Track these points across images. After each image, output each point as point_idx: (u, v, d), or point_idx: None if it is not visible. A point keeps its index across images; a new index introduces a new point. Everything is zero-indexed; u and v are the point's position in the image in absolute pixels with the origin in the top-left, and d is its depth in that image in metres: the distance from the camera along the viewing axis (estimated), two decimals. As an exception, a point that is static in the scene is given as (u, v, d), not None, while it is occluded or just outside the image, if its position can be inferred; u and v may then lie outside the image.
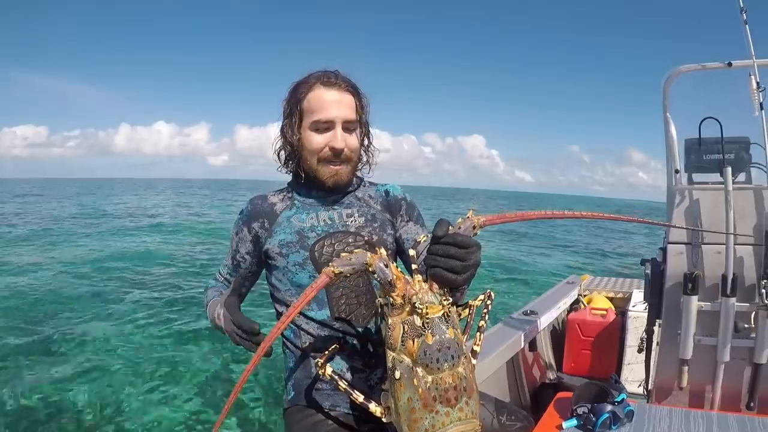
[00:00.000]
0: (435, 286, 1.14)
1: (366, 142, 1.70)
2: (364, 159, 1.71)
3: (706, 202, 2.40)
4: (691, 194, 2.42)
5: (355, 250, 1.14)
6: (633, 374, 3.39)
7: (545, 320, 3.47)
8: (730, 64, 2.37)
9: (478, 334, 1.30)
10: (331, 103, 1.54)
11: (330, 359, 1.33)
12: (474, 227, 1.13)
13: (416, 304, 1.11)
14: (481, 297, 1.32)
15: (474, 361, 1.22)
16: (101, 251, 14.43)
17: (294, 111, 1.59)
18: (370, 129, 1.71)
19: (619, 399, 1.75)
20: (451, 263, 1.10)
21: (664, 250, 2.49)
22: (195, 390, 5.44)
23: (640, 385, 3.12)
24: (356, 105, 1.60)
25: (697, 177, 2.49)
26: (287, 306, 1.58)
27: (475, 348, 1.28)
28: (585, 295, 4.31)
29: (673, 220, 2.44)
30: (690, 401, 2.49)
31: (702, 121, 2.39)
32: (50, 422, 4.59)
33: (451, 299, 1.15)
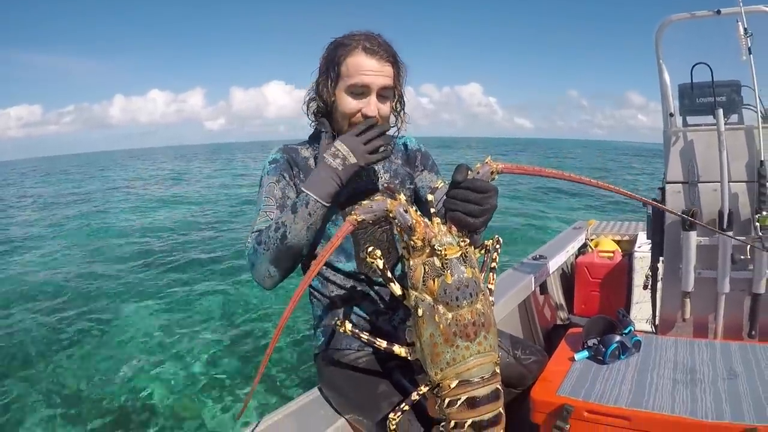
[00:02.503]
0: (453, 228, 1.22)
1: (398, 107, 1.71)
2: (394, 122, 1.71)
3: (699, 143, 2.49)
4: (685, 136, 2.52)
5: (376, 198, 1.21)
6: (641, 312, 3.48)
7: (554, 264, 3.58)
8: (719, 12, 2.44)
9: (491, 274, 1.39)
10: (370, 71, 1.54)
11: (347, 319, 1.45)
12: (492, 172, 1.19)
13: (435, 246, 1.19)
14: (490, 242, 1.41)
15: (491, 299, 1.31)
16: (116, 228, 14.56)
17: (331, 70, 1.59)
18: (404, 96, 1.72)
19: (626, 331, 1.89)
20: (469, 207, 1.18)
21: (662, 189, 2.60)
22: (229, 350, 5.64)
23: (647, 322, 3.25)
24: (394, 75, 1.60)
25: (691, 120, 2.57)
26: None
27: (490, 287, 1.35)
28: (592, 239, 4.41)
29: (670, 162, 2.53)
30: (694, 332, 2.60)
31: (693, 66, 2.48)
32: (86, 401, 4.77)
33: (468, 240, 1.23)
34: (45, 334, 6.35)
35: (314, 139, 1.73)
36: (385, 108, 1.60)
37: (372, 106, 1.55)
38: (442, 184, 1.57)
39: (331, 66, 1.59)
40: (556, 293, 3.92)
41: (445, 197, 1.23)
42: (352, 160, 1.42)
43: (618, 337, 1.84)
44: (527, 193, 18.85)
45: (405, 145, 1.85)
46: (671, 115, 2.56)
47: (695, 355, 1.87)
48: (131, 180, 33.49)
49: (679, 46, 2.66)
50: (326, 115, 1.65)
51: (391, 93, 1.62)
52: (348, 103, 1.57)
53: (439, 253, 1.19)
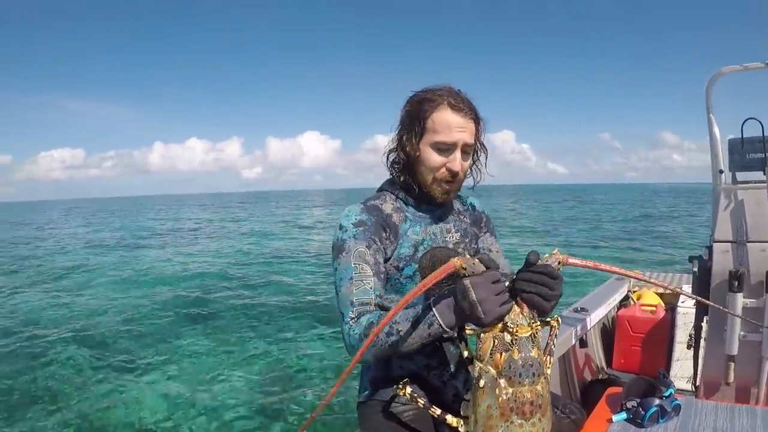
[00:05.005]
0: (525, 308, 1.26)
1: (477, 161, 1.75)
2: (470, 176, 1.76)
3: (749, 200, 2.43)
4: (735, 194, 2.46)
5: (476, 260, 1.25)
6: (682, 370, 3.39)
7: (595, 317, 3.48)
8: None
9: (548, 357, 1.37)
10: (456, 127, 1.57)
11: (407, 384, 1.43)
12: (559, 263, 1.27)
13: (508, 323, 1.23)
14: (554, 321, 1.41)
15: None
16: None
17: (415, 125, 1.61)
18: (480, 151, 1.74)
19: (666, 394, 1.82)
20: (542, 290, 1.24)
21: (710, 248, 2.53)
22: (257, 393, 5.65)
23: (688, 381, 3.15)
24: (476, 132, 1.64)
25: (741, 176, 2.53)
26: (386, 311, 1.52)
27: (546, 371, 1.34)
28: (634, 291, 4.29)
29: (718, 220, 2.47)
30: (736, 396, 2.51)
31: (744, 121, 2.43)
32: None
33: (539, 323, 1.27)
34: (75, 371, 6.50)
35: (390, 186, 1.75)
36: (467, 164, 1.65)
37: (457, 162, 1.60)
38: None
39: (416, 121, 1.61)
40: (596, 347, 3.83)
41: (518, 279, 1.29)
42: (479, 314, 1.23)
43: (658, 401, 1.78)
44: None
45: (473, 205, 1.90)
46: (721, 171, 2.50)
47: (735, 422, 1.79)
48: (172, 224, 34.27)
49: (729, 100, 2.61)
50: (407, 167, 1.67)
51: (472, 149, 1.66)
52: (434, 158, 1.60)
53: (510, 329, 1.23)
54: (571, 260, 1.29)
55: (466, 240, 1.78)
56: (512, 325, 1.23)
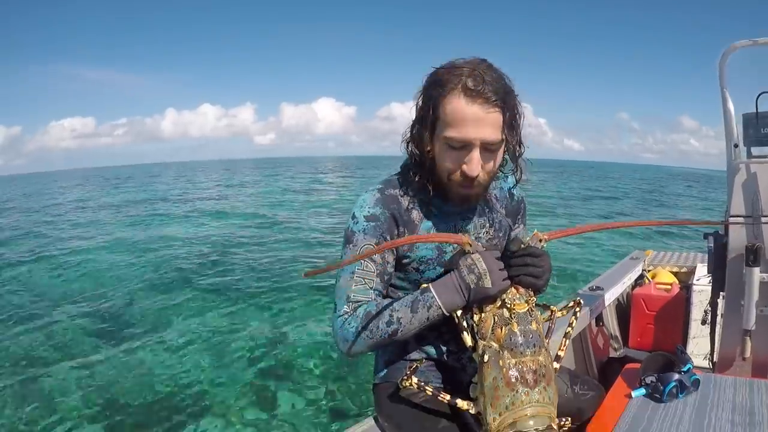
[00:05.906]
0: (521, 289, 1.34)
1: (516, 153, 1.48)
2: (512, 167, 1.52)
3: (763, 175, 2.40)
4: (748, 168, 2.44)
5: (478, 243, 1.35)
6: (698, 348, 3.39)
7: (610, 296, 3.48)
8: None
9: (563, 339, 1.45)
10: (471, 121, 1.30)
11: (413, 373, 1.42)
12: (540, 241, 1.36)
13: (505, 300, 1.31)
14: (570, 304, 1.49)
15: (557, 365, 1.38)
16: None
17: (427, 115, 1.37)
18: (523, 142, 1.48)
19: (685, 369, 1.83)
20: (530, 269, 1.33)
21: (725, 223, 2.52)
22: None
23: (705, 358, 3.14)
24: (503, 122, 1.34)
25: (755, 151, 2.51)
26: None
27: (560, 353, 1.42)
28: (649, 270, 4.29)
29: (734, 195, 2.45)
30: (753, 371, 2.51)
31: (758, 95, 2.41)
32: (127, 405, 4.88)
33: (535, 298, 1.35)
34: (84, 334, 6.64)
35: (406, 175, 1.52)
36: (491, 164, 1.40)
37: (474, 163, 1.36)
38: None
39: (427, 109, 1.38)
40: (611, 325, 3.82)
41: (506, 266, 1.34)
42: (487, 284, 1.27)
43: (677, 375, 1.79)
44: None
45: (511, 193, 1.70)
46: (735, 146, 2.48)
47: (754, 396, 1.80)
48: (186, 192, 34.42)
49: (743, 74, 2.59)
50: (422, 164, 1.46)
51: (499, 146, 1.39)
52: (445, 158, 1.38)
53: (508, 305, 1.31)
54: (552, 234, 1.37)
55: (500, 234, 1.62)
56: (509, 302, 1.31)
